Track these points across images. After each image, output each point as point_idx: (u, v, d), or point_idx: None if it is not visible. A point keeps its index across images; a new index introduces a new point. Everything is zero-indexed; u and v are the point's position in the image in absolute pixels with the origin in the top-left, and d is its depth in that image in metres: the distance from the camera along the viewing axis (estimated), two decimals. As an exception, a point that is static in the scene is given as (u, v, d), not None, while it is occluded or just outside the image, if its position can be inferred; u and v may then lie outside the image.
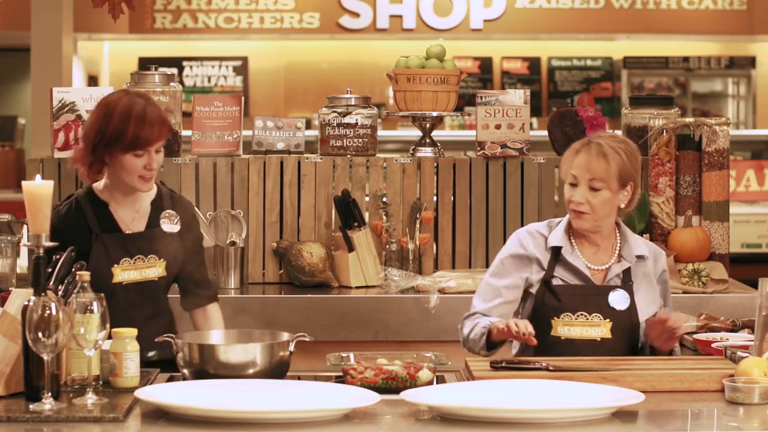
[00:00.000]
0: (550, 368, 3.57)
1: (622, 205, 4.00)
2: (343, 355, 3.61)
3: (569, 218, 4.03)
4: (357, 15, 11.25)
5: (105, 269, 4.04)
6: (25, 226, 4.88)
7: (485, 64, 11.72)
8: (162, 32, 11.36)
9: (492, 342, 3.95)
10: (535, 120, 10.86)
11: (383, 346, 4.86)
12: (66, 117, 5.33)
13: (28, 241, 3.29)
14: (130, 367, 3.48)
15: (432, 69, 5.54)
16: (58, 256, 3.56)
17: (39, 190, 3.29)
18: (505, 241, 5.35)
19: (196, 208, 4.66)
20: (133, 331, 3.51)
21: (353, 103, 5.50)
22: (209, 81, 11.69)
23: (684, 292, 5.07)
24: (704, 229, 5.27)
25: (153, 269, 4.11)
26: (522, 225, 5.34)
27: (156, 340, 3.64)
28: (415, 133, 5.92)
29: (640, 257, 4.04)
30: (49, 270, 3.47)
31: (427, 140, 5.59)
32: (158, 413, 3.22)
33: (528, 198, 5.48)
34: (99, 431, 3.10)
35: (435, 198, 5.48)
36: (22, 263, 5.02)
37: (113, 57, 11.74)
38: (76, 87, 9.96)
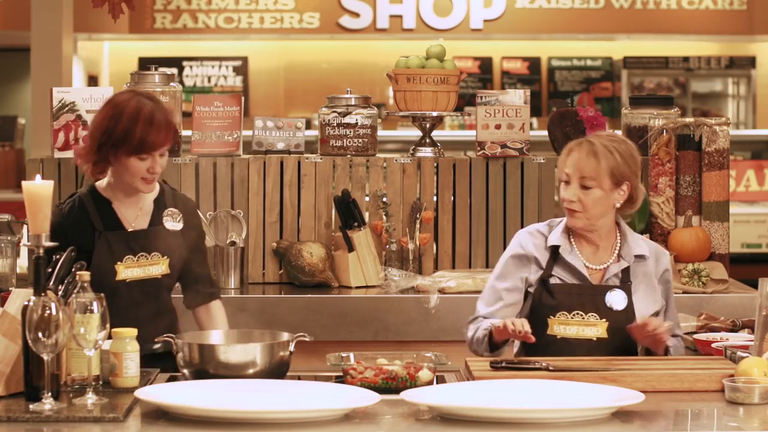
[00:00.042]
0: (550, 368, 3.58)
1: (618, 205, 4.00)
2: (343, 355, 3.61)
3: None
4: (357, 15, 11.25)
5: (108, 267, 4.04)
6: (25, 226, 4.88)
7: (485, 64, 11.72)
8: (162, 32, 11.36)
9: (494, 343, 3.96)
10: (535, 120, 10.86)
11: (383, 346, 4.86)
12: (66, 117, 5.33)
13: (28, 241, 3.29)
14: (130, 367, 3.48)
15: (432, 69, 5.54)
16: (58, 256, 3.56)
17: (39, 190, 3.29)
18: (505, 241, 5.40)
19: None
20: (133, 331, 3.51)
21: (353, 103, 5.51)
22: (209, 81, 11.69)
23: (684, 292, 5.07)
24: (704, 229, 5.27)
25: (156, 267, 4.11)
26: (522, 225, 5.35)
27: (156, 340, 3.65)
28: (415, 133, 5.92)
29: (639, 257, 4.04)
30: (49, 270, 3.47)
31: (427, 140, 5.59)
32: (158, 413, 3.22)
33: (528, 198, 5.48)
34: (99, 431, 3.10)
35: (435, 198, 5.48)
36: (22, 263, 5.02)
37: (113, 57, 11.74)
38: (76, 87, 9.96)
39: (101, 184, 4.14)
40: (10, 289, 4.59)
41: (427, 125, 5.59)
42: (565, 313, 3.97)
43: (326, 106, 5.54)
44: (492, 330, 3.92)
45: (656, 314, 4.04)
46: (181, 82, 11.29)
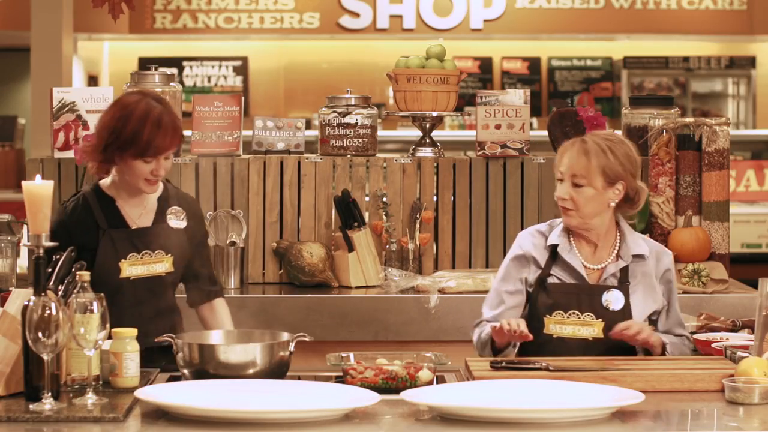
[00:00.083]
0: (550, 368, 3.58)
1: (613, 204, 3.99)
2: (343, 355, 3.61)
3: (565, 216, 4.05)
4: (357, 15, 11.25)
5: (112, 264, 4.05)
6: (25, 226, 4.89)
7: (485, 64, 11.72)
8: (162, 32, 11.36)
9: (497, 347, 3.96)
10: (535, 120, 10.86)
11: (383, 346, 4.86)
12: (66, 117, 5.33)
13: (28, 241, 3.29)
14: (130, 367, 3.48)
15: (432, 69, 5.54)
16: (58, 256, 3.56)
17: (39, 190, 3.29)
18: (505, 240, 5.40)
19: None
20: (133, 331, 3.51)
21: (353, 103, 5.51)
22: (209, 81, 11.69)
23: (684, 292, 5.07)
24: (704, 229, 5.27)
25: (160, 264, 4.12)
26: (522, 225, 5.36)
27: (156, 339, 3.64)
28: (415, 133, 5.92)
29: (638, 256, 4.03)
30: (49, 270, 3.47)
31: (427, 140, 5.59)
32: (158, 413, 3.22)
33: (528, 198, 5.48)
34: (99, 431, 3.10)
35: (435, 198, 5.48)
36: (22, 263, 5.02)
37: (113, 57, 11.74)
38: (76, 87, 9.96)
39: (105, 182, 4.15)
40: (10, 289, 4.59)
41: (427, 125, 5.59)
42: (561, 312, 3.97)
43: (326, 106, 5.54)
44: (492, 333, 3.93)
45: (656, 314, 4.05)
46: (181, 82, 11.28)
